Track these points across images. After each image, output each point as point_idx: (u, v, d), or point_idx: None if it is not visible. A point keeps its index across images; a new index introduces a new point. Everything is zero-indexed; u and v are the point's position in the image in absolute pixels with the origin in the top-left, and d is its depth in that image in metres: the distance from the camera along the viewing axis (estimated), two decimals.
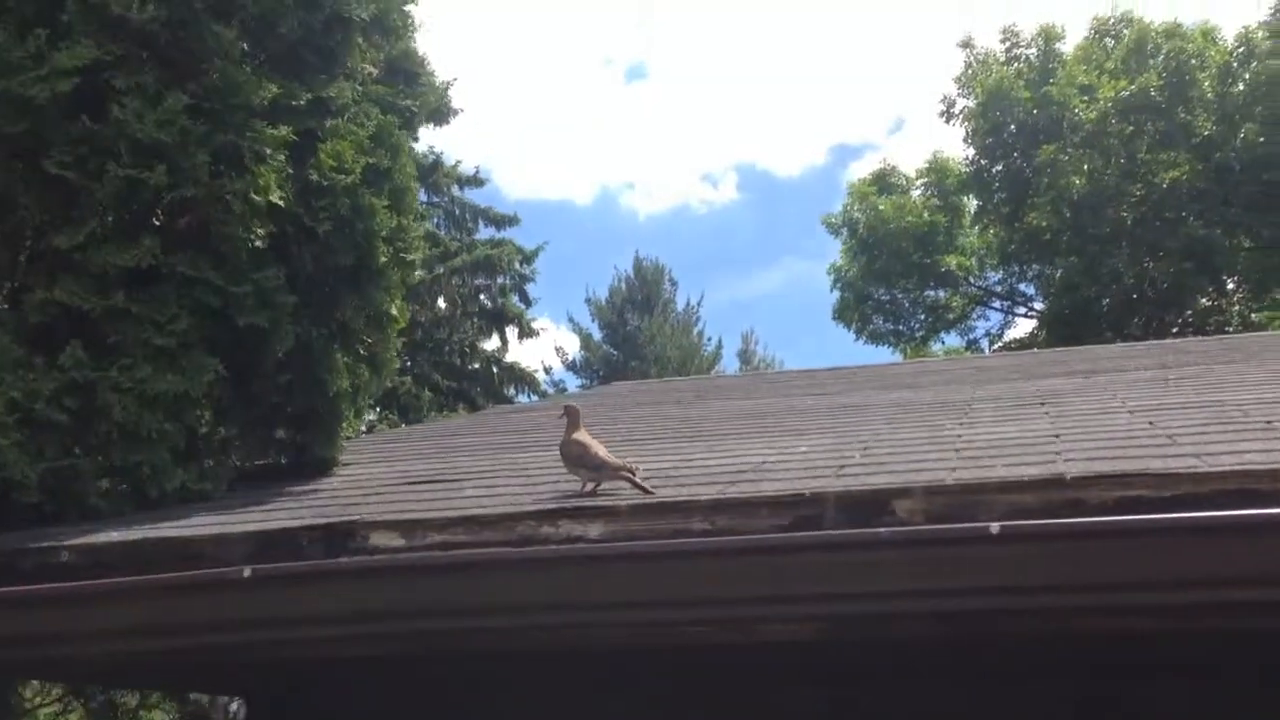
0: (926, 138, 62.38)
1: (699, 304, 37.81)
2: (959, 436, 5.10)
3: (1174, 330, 24.57)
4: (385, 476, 5.61)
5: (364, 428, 9.39)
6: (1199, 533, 3.16)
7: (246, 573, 3.95)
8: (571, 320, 36.92)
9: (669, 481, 4.58)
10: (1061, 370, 8.43)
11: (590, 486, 4.47)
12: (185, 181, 5.24)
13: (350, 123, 5.88)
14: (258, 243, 5.37)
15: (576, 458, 4.52)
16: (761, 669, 3.74)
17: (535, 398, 26.20)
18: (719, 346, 37.58)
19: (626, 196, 58.58)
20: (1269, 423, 4.52)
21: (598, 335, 36.59)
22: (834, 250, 29.09)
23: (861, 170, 52.57)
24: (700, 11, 62.73)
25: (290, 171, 5.51)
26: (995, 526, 3.33)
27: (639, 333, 35.77)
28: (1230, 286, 26.91)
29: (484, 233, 26.31)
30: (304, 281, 5.66)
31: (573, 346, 36.63)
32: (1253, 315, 25.52)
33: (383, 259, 5.77)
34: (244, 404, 5.71)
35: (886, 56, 56.06)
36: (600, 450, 4.52)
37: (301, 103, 5.67)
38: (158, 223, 5.47)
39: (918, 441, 5.09)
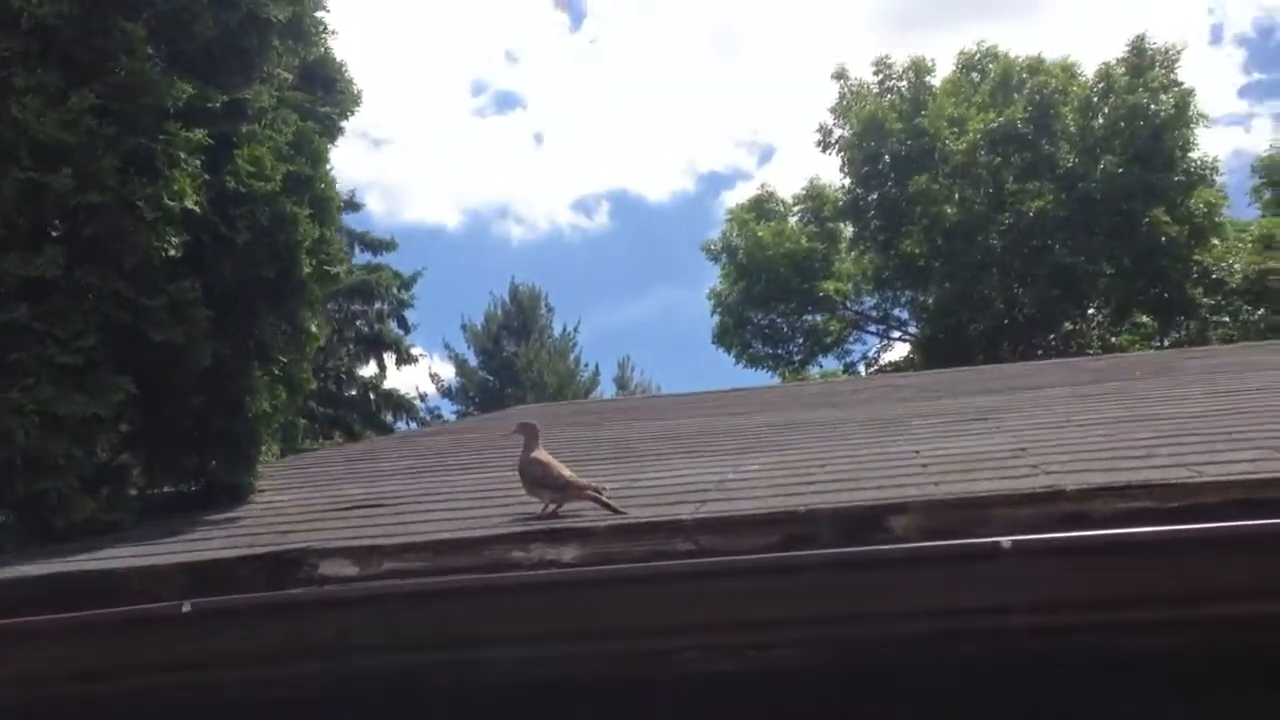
0: (798, 166, 63.43)
1: (575, 330, 37.68)
2: (917, 452, 4.99)
3: (1039, 353, 25.33)
4: (314, 503, 5.23)
5: None
6: (1227, 545, 3.08)
7: (186, 608, 3.59)
8: (447, 347, 36.40)
9: (629, 502, 4.34)
10: (978, 388, 8.46)
11: (552, 508, 4.21)
12: (92, 186, 4.83)
13: (268, 129, 5.53)
14: (172, 252, 4.96)
15: (538, 479, 4.26)
16: (756, 697, 3.52)
17: (414, 425, 25.60)
18: (596, 372, 37.48)
19: (499, 224, 58.07)
20: (1230, 435, 4.53)
21: (474, 361, 36.12)
22: (708, 277, 29.42)
23: (734, 199, 53.29)
24: (565, 42, 62.86)
25: (206, 178, 5.14)
26: (1006, 541, 3.20)
27: (516, 359, 35.41)
28: (1091, 312, 27.89)
29: (359, 258, 25.69)
30: (220, 295, 5.27)
31: (448, 374, 36.09)
32: (1113, 339, 26.55)
33: (306, 271, 5.41)
34: (156, 427, 5.28)
35: (754, 86, 56.92)
36: (564, 469, 4.27)
37: (217, 105, 5.30)
38: (60, 232, 5.04)
39: (878, 458, 4.97)
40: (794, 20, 52.65)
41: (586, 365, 37.45)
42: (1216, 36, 48.51)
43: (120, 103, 4.97)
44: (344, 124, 6.16)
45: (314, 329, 5.82)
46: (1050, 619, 3.25)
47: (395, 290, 24.73)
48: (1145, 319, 27.04)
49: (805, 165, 43.28)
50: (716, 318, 29.05)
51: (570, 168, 60.38)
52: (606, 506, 4.07)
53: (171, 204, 4.90)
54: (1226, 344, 18.61)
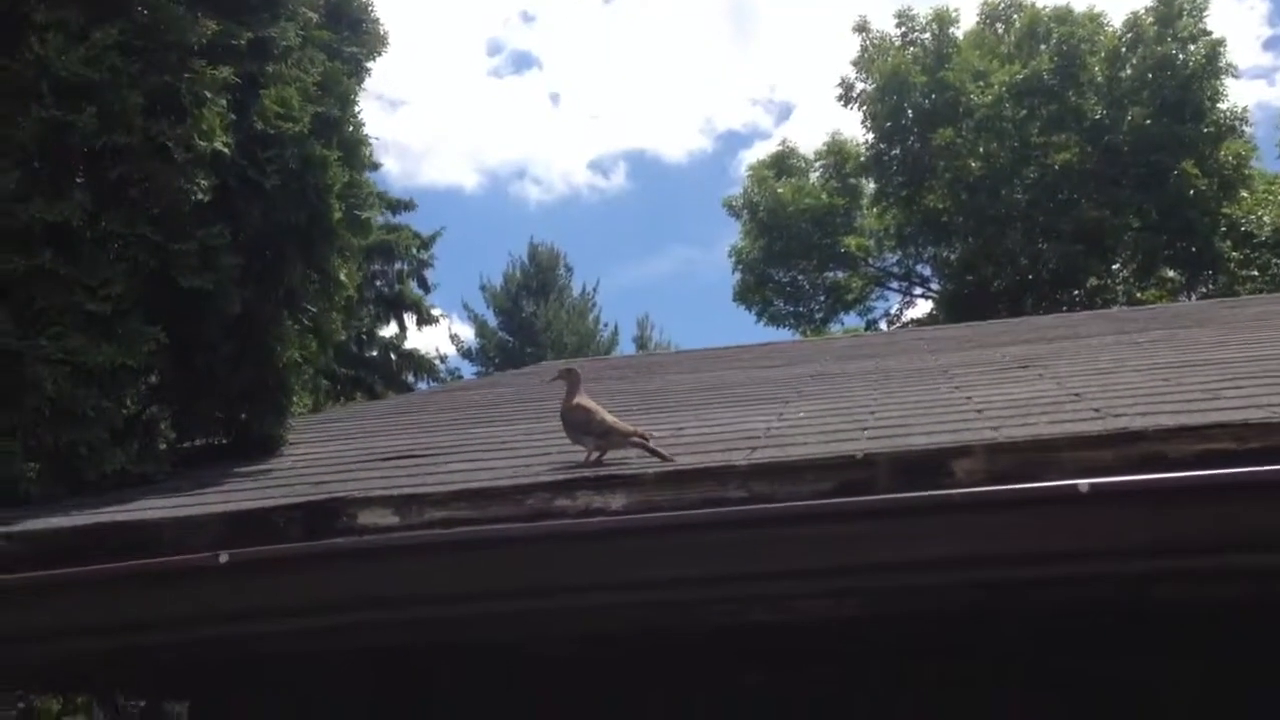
0: (816, 123, 62.91)
1: (595, 290, 37.48)
2: (968, 399, 4.82)
3: (1063, 309, 25.04)
4: (348, 455, 5.11)
5: None
6: None
7: (223, 558, 3.47)
8: (466, 308, 36.27)
9: (675, 451, 4.18)
10: (1012, 339, 8.27)
11: (595, 455, 4.07)
12: (118, 126, 4.68)
13: (295, 69, 5.36)
14: (201, 196, 4.82)
15: (580, 423, 4.12)
16: (823, 648, 3.40)
17: (435, 385, 25.50)
18: (615, 332, 37.30)
19: (516, 185, 57.75)
20: None
21: (493, 322, 35.97)
22: (726, 236, 29.17)
23: (752, 157, 52.86)
24: (581, 1, 62.22)
25: (234, 118, 4.97)
26: (1084, 485, 3.04)
27: (535, 319, 35.23)
28: (1116, 267, 27.51)
29: (378, 218, 25.45)
30: (249, 242, 5.13)
31: (467, 335, 35.99)
32: (1138, 294, 26.19)
33: (336, 216, 5.26)
34: (185, 378, 5.15)
35: (771, 45, 56.25)
36: (606, 415, 4.12)
37: (242, 43, 5.12)
38: (85, 176, 4.90)
39: (928, 404, 4.80)
40: None
41: (606, 325, 37.31)
42: None
43: (143, 39, 4.81)
44: (370, 65, 5.97)
45: (344, 277, 5.67)
46: (1131, 565, 3.09)
47: (415, 250, 24.50)
48: (1172, 274, 26.67)
49: (824, 123, 43.04)
50: (737, 275, 28.75)
51: (587, 128, 60.05)
52: (654, 453, 3.93)
53: (202, 144, 4.75)
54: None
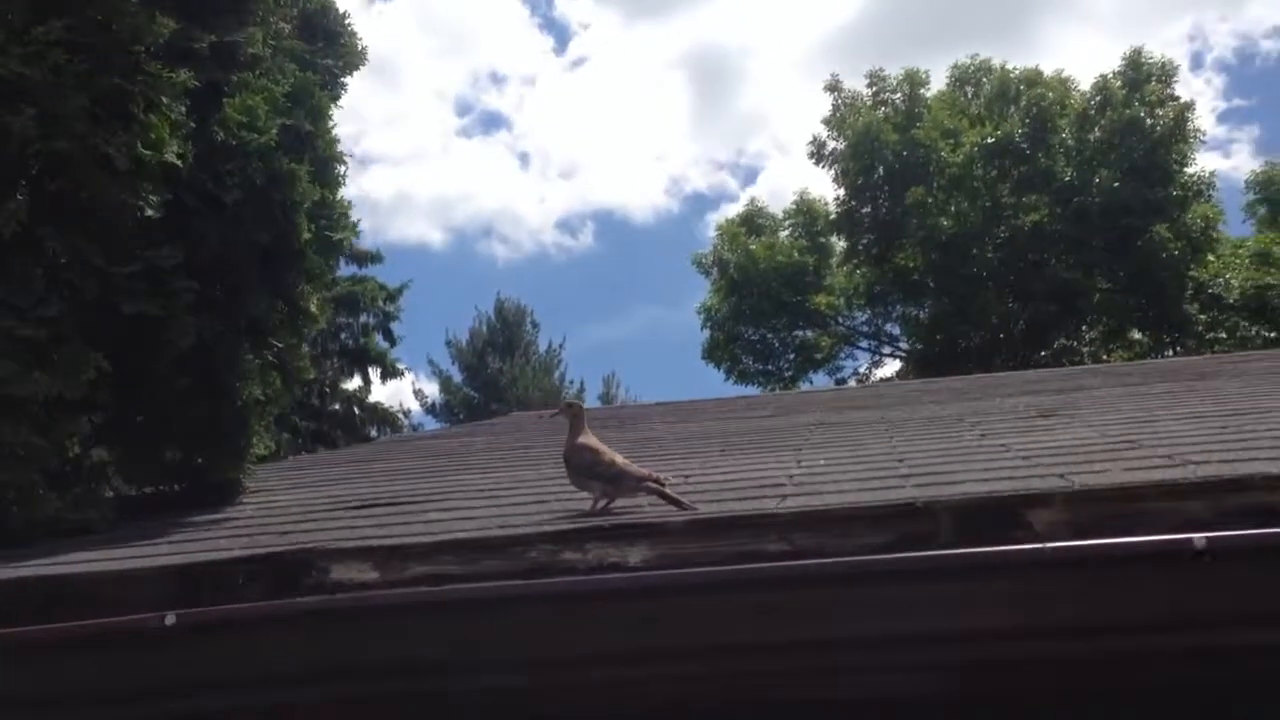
0: (780, 190, 63.10)
1: (561, 346, 36.95)
2: (1004, 446, 4.36)
3: (1033, 369, 24.76)
4: (315, 502, 4.55)
5: None
6: None
7: (169, 620, 2.91)
8: (431, 364, 35.58)
9: (690, 499, 3.67)
10: (1017, 390, 7.84)
11: (603, 503, 3.56)
12: (58, 132, 4.16)
13: (263, 78, 4.87)
14: (150, 212, 4.29)
15: (586, 466, 3.60)
16: None
17: (388, 437, 24.81)
18: (582, 389, 36.65)
19: (483, 243, 57.21)
20: None
21: (458, 378, 35.33)
22: (692, 296, 28.81)
23: (718, 219, 52.79)
24: (549, 63, 62.43)
25: (192, 126, 4.47)
26: (1200, 539, 2.56)
27: (501, 375, 34.62)
28: (1083, 328, 27.40)
29: (345, 270, 24.88)
30: (207, 265, 4.60)
31: (431, 390, 35.31)
32: (1104, 356, 26.04)
33: (305, 237, 4.74)
34: (132, 417, 4.59)
35: (738, 109, 56.49)
36: (616, 457, 3.61)
37: (204, 46, 4.63)
38: (20, 186, 4.36)
39: (959, 452, 4.34)
40: (777, 46, 52.47)
41: (572, 382, 36.72)
42: (1197, 62, 48.43)
43: (92, 37, 4.30)
44: (347, 80, 5.49)
45: (313, 308, 5.15)
46: (1258, 634, 2.61)
47: (381, 303, 23.93)
48: (1139, 335, 26.60)
49: (789, 186, 42.81)
50: (706, 332, 28.40)
51: (555, 188, 59.77)
52: (671, 500, 3.42)
53: (147, 154, 4.23)
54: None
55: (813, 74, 52.25)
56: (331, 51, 5.45)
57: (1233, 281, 25.20)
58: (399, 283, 24.86)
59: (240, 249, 4.63)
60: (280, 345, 5.14)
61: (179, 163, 4.33)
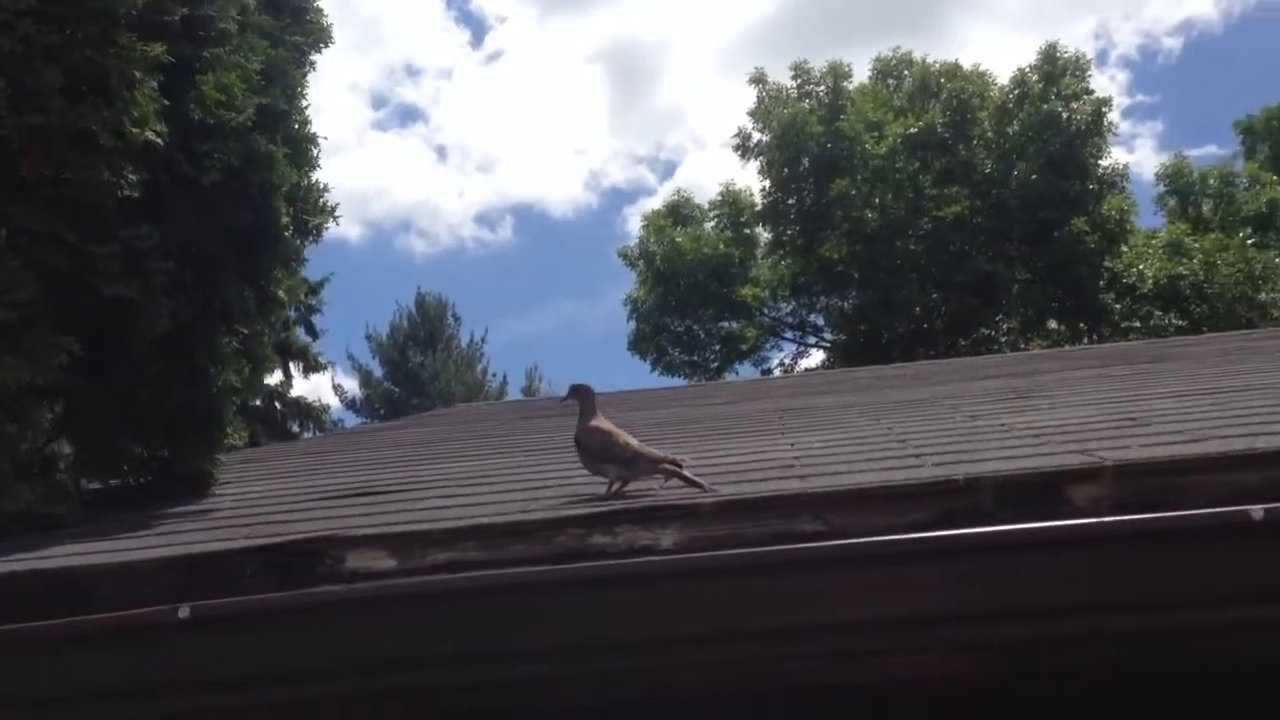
0: (700, 181, 63.25)
1: (483, 339, 36.65)
2: (1004, 425, 4.37)
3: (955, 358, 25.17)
4: (299, 493, 4.40)
5: None
6: None
7: (183, 613, 2.77)
8: (351, 358, 35.02)
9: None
10: (970, 376, 7.90)
11: (617, 486, 3.49)
12: (31, 106, 3.96)
13: (236, 55, 4.69)
14: (130, 192, 4.11)
15: (599, 449, 3.53)
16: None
17: (322, 435, 24.36)
18: (504, 383, 36.45)
19: (401, 238, 56.44)
20: None
21: (379, 373, 34.83)
22: (613, 289, 28.76)
23: (637, 214, 52.86)
24: (466, 57, 61.87)
25: (166, 104, 4.29)
26: (1257, 510, 2.57)
27: (422, 370, 34.21)
28: (999, 319, 27.90)
29: None
30: (182, 247, 4.42)
31: (351, 386, 34.77)
32: (1023, 345, 26.53)
33: (283, 220, 4.59)
34: (101, 404, 4.40)
35: (657, 104, 56.53)
36: (630, 439, 3.54)
37: (175, 19, 4.45)
38: None
39: (958, 431, 4.34)
40: (694, 41, 52.62)
41: (494, 375, 36.48)
42: (1103, 59, 49.59)
43: (61, 7, 4.10)
44: (315, 58, 5.32)
45: (283, 293, 4.99)
46: None
47: (303, 296, 23.45)
48: (1057, 326, 27.15)
49: (706, 183, 42.88)
50: (632, 324, 28.36)
51: (474, 182, 59.26)
52: (691, 482, 3.36)
53: (134, 131, 4.05)
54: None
55: (730, 69, 52.55)
56: (299, 28, 5.27)
57: (1146, 272, 25.86)
58: (318, 276, 24.48)
59: (217, 232, 4.46)
60: (246, 332, 4.98)
61: (159, 141, 4.16)
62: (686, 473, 3.39)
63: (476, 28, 69.18)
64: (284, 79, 4.81)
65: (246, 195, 4.47)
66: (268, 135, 4.60)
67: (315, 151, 4.91)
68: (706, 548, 2.93)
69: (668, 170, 60.04)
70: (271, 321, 5.05)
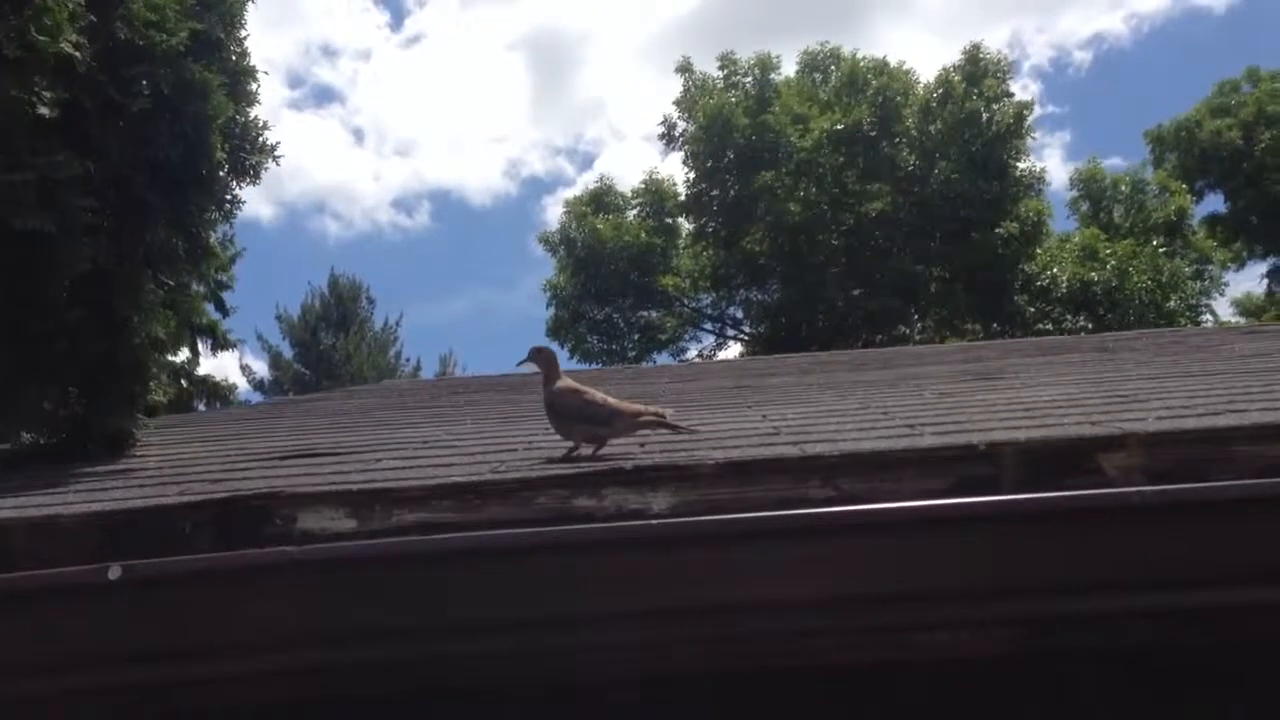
0: (619, 171, 63.06)
1: (398, 323, 35.92)
2: (992, 401, 4.15)
3: None
4: (234, 453, 4.00)
5: None
6: None
7: (114, 573, 2.41)
8: (260, 339, 34.04)
9: (673, 447, 3.32)
10: (912, 363, 7.71)
11: (592, 448, 3.18)
12: None
13: None
14: (44, 110, 3.69)
15: (575, 409, 3.22)
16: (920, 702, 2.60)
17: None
18: (418, 367, 35.75)
19: (315, 219, 55.20)
20: None
21: (289, 353, 33.94)
22: (529, 277, 28.43)
23: (555, 204, 52.41)
24: (385, 39, 60.79)
25: (92, 20, 3.88)
26: None
27: (334, 352, 33.40)
28: (915, 316, 28.11)
29: None
30: (105, 182, 4.01)
31: (259, 367, 33.82)
32: (939, 344, 26.77)
33: (218, 156, 4.19)
34: (11, 351, 3.96)
35: (577, 94, 56.11)
36: (607, 396, 3.24)
37: None
38: None
39: (945, 405, 4.11)
40: (616, 33, 52.31)
41: (408, 360, 35.78)
42: (1016, 69, 50.42)
43: None
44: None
45: (213, 242, 4.59)
46: None
47: (213, 271, 22.67)
48: (972, 326, 27.41)
49: (625, 175, 42.62)
50: (551, 311, 28.01)
51: (391, 166, 58.20)
52: (676, 428, 3.08)
53: (43, 40, 3.63)
54: None
55: (652, 62, 52.26)
56: None
57: (1059, 275, 26.24)
58: (229, 253, 23.69)
59: (144, 166, 4.05)
60: (173, 282, 4.58)
61: (76, 53, 3.74)
62: (671, 420, 3.11)
63: (396, 9, 67.98)
64: (222, 5, 4.40)
65: (178, 126, 4.07)
66: (203, 63, 4.20)
67: (255, 86, 4.51)
68: (703, 512, 2.65)
69: (586, 161, 59.84)
70: (202, 271, 4.63)
